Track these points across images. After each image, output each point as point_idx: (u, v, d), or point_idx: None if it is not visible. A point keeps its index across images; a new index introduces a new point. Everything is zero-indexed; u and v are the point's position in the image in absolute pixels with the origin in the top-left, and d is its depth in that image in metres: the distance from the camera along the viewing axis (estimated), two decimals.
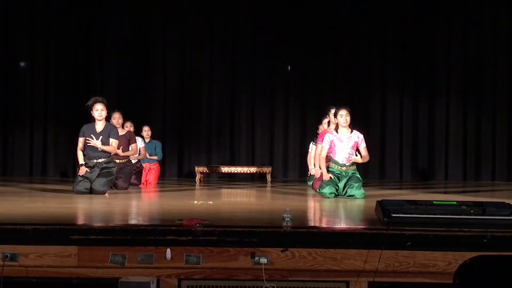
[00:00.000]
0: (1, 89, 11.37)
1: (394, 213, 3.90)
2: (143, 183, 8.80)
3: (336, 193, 6.64)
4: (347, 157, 6.77)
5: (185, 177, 11.19)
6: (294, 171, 11.42)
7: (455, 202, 4.15)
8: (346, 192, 6.63)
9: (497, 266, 3.12)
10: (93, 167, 6.87)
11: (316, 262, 3.74)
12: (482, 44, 11.14)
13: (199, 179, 9.88)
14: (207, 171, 10.23)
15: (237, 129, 11.52)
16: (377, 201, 4.17)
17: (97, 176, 6.82)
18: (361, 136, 6.88)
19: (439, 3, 11.27)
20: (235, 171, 10.30)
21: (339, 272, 3.75)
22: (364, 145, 6.89)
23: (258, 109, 11.51)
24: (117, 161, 7.66)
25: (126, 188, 7.70)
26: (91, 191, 6.75)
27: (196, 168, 10.10)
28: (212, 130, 11.50)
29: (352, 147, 6.82)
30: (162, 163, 10.57)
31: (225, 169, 10.24)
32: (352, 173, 6.75)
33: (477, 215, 3.93)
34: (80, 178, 6.79)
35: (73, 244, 3.77)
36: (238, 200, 7.02)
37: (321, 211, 5.57)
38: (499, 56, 11.09)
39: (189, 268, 3.76)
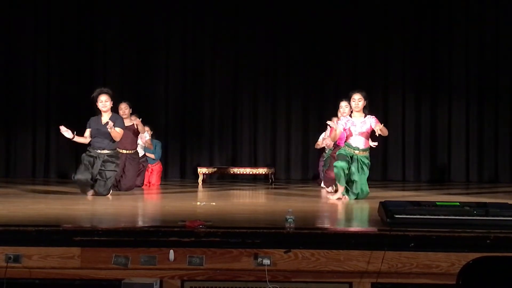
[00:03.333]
0: (3, 90, 11.38)
1: (397, 214, 3.90)
2: (146, 184, 8.80)
3: (348, 170, 6.53)
4: (361, 141, 6.67)
5: (187, 178, 11.18)
6: (297, 172, 11.41)
7: (458, 203, 4.15)
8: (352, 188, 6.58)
9: (500, 267, 3.11)
10: (96, 157, 6.79)
11: (319, 263, 3.74)
12: (484, 46, 11.11)
13: (202, 180, 9.89)
14: (210, 172, 10.23)
15: (239, 130, 11.51)
16: (380, 202, 4.17)
17: (98, 179, 6.78)
18: (373, 119, 6.69)
19: (442, 2, 11.25)
20: (238, 172, 10.30)
21: (342, 273, 3.75)
22: (378, 124, 6.56)
23: (261, 110, 11.50)
24: (124, 151, 7.62)
25: (131, 189, 7.68)
26: (92, 185, 6.72)
27: (198, 169, 10.11)
28: (214, 131, 11.49)
29: (367, 131, 6.70)
30: (165, 163, 10.58)
31: (228, 170, 10.25)
32: (363, 161, 6.64)
33: (480, 216, 3.93)
34: (83, 168, 6.70)
35: (76, 245, 3.78)
36: (240, 201, 7.02)
37: (324, 212, 5.57)
38: (502, 57, 11.06)
39: (192, 269, 3.76)
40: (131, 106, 8.24)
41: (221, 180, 10.92)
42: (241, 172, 10.29)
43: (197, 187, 9.13)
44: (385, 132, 6.63)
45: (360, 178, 6.60)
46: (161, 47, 11.54)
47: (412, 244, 3.72)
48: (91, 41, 11.48)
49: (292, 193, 7.79)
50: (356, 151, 6.68)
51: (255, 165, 11.16)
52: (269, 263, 3.71)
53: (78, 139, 6.89)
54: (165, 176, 10.98)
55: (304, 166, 11.35)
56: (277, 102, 11.50)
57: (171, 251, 3.74)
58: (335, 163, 6.62)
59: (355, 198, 6.59)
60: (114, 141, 6.95)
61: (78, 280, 3.79)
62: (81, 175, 6.65)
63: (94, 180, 6.76)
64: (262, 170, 10.28)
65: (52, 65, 11.49)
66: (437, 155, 11.23)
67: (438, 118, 11.24)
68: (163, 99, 11.52)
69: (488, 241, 3.70)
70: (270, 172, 10.12)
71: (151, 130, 9.29)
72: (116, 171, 6.98)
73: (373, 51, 11.38)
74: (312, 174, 11.04)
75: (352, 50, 11.41)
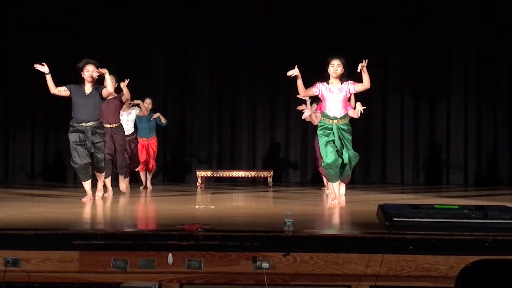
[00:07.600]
0: (1, 93, 11.36)
1: (395, 217, 3.90)
2: (142, 164, 8.72)
3: (340, 156, 6.24)
4: (339, 109, 6.40)
5: (186, 182, 11.17)
6: (295, 175, 11.40)
7: (456, 206, 4.15)
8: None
9: (499, 270, 3.11)
10: (83, 131, 6.43)
11: (317, 266, 3.74)
12: (483, 48, 11.12)
13: (200, 183, 9.88)
14: (208, 175, 10.23)
15: (238, 133, 11.50)
16: (379, 205, 4.17)
17: (94, 153, 6.46)
18: (352, 84, 6.49)
19: (440, 4, 11.26)
20: (237, 175, 10.30)
21: (340, 276, 3.75)
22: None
23: (259, 113, 11.49)
24: (108, 125, 7.29)
25: (123, 166, 7.61)
26: (92, 166, 6.52)
27: (197, 172, 10.10)
28: (213, 134, 11.48)
29: (344, 98, 6.43)
30: (163, 165, 10.59)
31: (226, 173, 10.24)
32: (343, 129, 6.34)
33: (478, 219, 3.93)
34: (77, 153, 6.37)
35: (75, 249, 3.78)
36: (239, 204, 7.02)
37: (322, 215, 5.58)
38: (500, 59, 11.06)
39: (191, 272, 3.76)
40: (117, 80, 7.87)
41: (220, 183, 10.91)
42: (240, 175, 10.29)
43: (196, 190, 9.12)
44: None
45: (346, 146, 6.29)
46: (159, 47, 11.51)
47: (411, 247, 3.72)
48: (90, 44, 11.47)
49: (291, 196, 7.78)
50: (335, 121, 6.37)
51: (253, 168, 11.15)
52: (268, 267, 3.70)
53: (49, 79, 6.63)
54: (163, 179, 10.99)
55: (303, 169, 11.33)
56: (276, 105, 11.49)
57: (170, 255, 3.74)
58: (324, 165, 6.30)
59: (346, 168, 6.31)
60: (97, 112, 6.60)
61: (77, 284, 3.79)
62: (80, 160, 6.40)
63: (91, 157, 6.46)
64: (261, 173, 10.28)
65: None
66: (435, 157, 11.23)
67: (436, 120, 11.23)
68: (161, 102, 11.50)
69: (486, 244, 3.70)
70: (269, 175, 10.12)
71: (151, 104, 9.22)
72: (104, 140, 6.66)
73: (372, 53, 11.36)
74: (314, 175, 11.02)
75: (351, 52, 11.40)
